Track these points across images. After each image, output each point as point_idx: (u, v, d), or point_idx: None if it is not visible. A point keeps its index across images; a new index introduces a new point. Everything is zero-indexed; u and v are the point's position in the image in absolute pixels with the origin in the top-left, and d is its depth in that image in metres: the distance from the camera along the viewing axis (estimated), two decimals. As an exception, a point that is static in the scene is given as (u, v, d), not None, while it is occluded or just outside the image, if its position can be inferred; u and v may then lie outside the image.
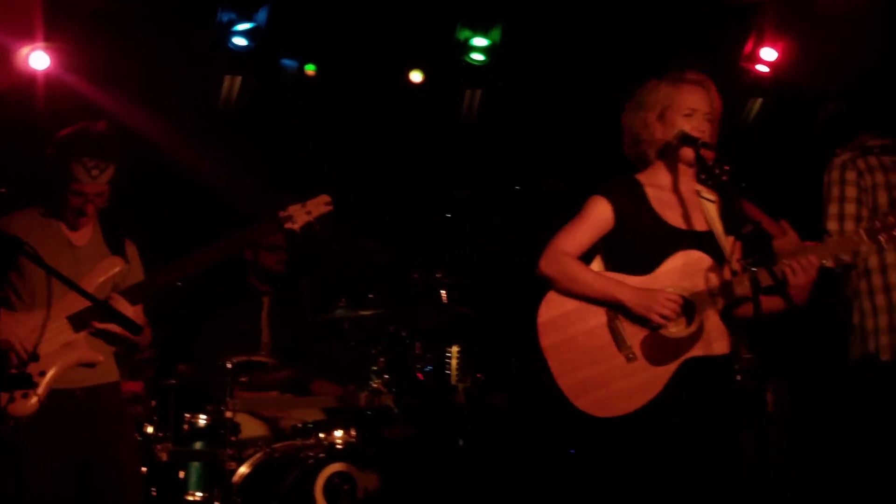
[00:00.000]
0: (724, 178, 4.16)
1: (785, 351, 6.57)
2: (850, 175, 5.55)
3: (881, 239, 4.32)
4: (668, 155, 4.48)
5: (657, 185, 4.51)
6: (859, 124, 5.84)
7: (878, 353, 5.41)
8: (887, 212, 4.40)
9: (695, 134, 4.36)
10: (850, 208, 5.47)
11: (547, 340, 4.37)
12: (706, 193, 4.51)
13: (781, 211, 6.06)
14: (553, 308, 4.41)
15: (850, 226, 5.44)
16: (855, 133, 5.81)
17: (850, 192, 5.55)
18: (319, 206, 5.22)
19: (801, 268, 4.21)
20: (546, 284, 4.43)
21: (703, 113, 4.43)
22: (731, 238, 4.42)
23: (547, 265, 4.42)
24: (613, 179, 4.54)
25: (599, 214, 4.47)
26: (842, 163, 5.58)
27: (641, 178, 4.54)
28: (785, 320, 4.34)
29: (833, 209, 5.52)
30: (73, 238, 4.94)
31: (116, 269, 4.92)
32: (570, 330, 4.38)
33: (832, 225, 5.48)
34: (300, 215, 5.16)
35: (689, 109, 4.41)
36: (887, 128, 5.83)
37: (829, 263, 5.44)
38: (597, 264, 4.53)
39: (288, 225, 5.15)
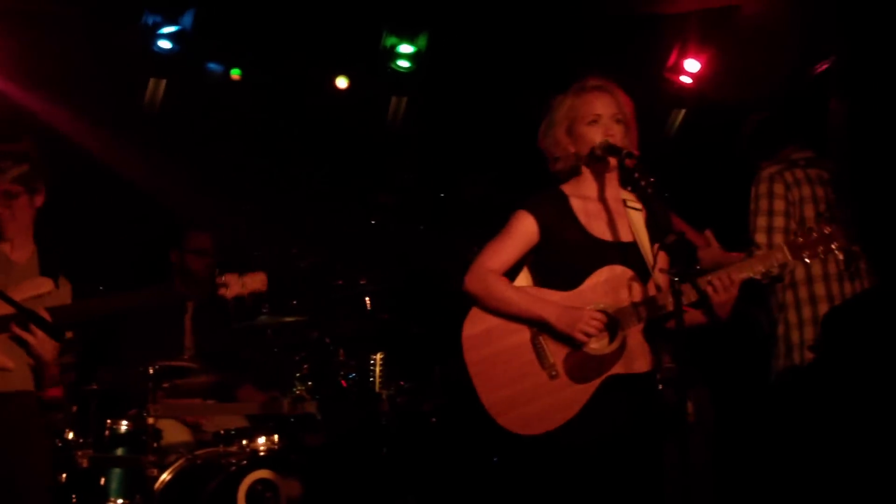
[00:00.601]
0: (650, 189, 4.17)
1: (708, 360, 6.63)
2: (779, 188, 5.61)
3: (804, 255, 4.34)
4: (592, 165, 4.46)
5: (582, 195, 4.49)
6: (785, 137, 5.92)
7: (802, 364, 5.47)
8: (811, 227, 4.44)
9: (607, 140, 4.34)
10: (779, 221, 5.53)
11: (471, 356, 4.36)
12: (632, 202, 4.49)
13: (704, 222, 6.16)
14: (477, 324, 4.40)
15: (778, 238, 5.50)
16: (780, 145, 5.89)
17: (779, 205, 5.62)
18: (255, 282, 5.28)
19: (721, 286, 4.22)
20: (472, 301, 4.42)
21: (610, 115, 4.40)
22: (657, 246, 4.38)
23: (471, 283, 4.41)
24: (538, 193, 4.52)
25: (524, 230, 4.45)
26: (769, 175, 5.64)
27: (566, 188, 4.52)
28: (709, 330, 4.37)
29: (762, 222, 5.57)
30: (12, 254, 4.90)
31: (45, 289, 4.87)
32: (493, 346, 4.36)
33: (760, 238, 5.53)
34: (235, 286, 5.21)
35: (594, 116, 4.39)
36: (811, 140, 5.92)
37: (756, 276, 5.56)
38: (524, 277, 4.52)
39: (221, 291, 5.18)
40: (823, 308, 5.51)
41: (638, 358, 4.30)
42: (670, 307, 4.18)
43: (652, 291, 4.32)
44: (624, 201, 4.49)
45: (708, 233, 4.53)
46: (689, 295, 4.15)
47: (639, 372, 4.30)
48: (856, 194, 5.80)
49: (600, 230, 4.44)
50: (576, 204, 4.47)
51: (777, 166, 5.69)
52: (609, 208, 4.49)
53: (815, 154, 5.85)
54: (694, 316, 4.28)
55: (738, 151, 6.16)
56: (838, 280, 5.58)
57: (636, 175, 4.19)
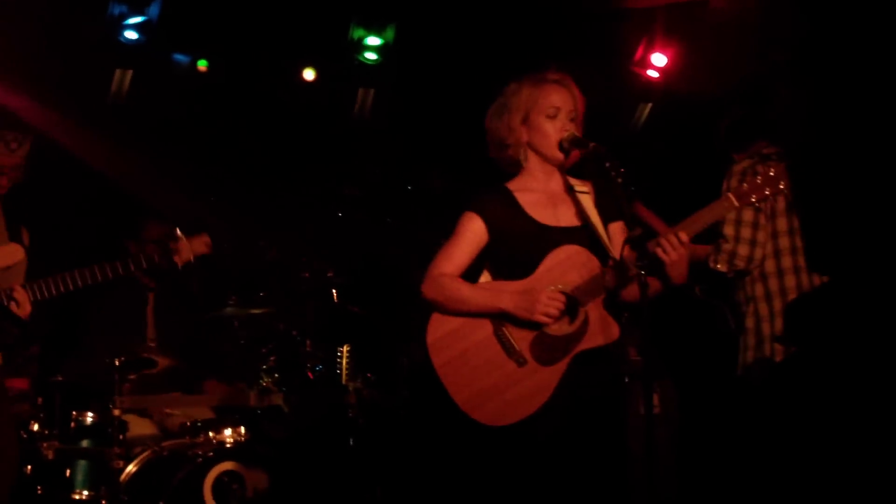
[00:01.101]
0: (620, 179, 4.18)
1: (673, 353, 6.67)
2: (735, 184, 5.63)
3: (752, 199, 4.29)
4: (540, 157, 4.49)
5: (527, 188, 4.52)
6: (758, 131, 5.94)
7: (773, 357, 5.50)
8: (757, 171, 4.43)
9: (573, 133, 4.38)
10: (748, 215, 5.55)
11: (438, 359, 4.36)
12: (579, 186, 4.52)
13: (669, 215, 6.18)
14: (440, 327, 4.41)
15: (746, 233, 5.53)
16: (752, 139, 5.92)
17: None
18: (200, 245, 5.29)
19: (670, 245, 4.19)
20: (431, 308, 4.43)
21: (567, 112, 4.42)
22: (618, 225, 4.46)
23: (428, 289, 4.42)
24: (482, 192, 4.53)
25: (473, 231, 4.46)
26: (742, 169, 5.64)
27: (511, 185, 4.54)
28: (675, 323, 4.40)
29: (731, 215, 5.60)
30: None
31: (20, 258, 4.87)
32: (458, 346, 4.37)
33: (728, 230, 5.55)
34: (185, 251, 5.22)
35: (553, 109, 4.41)
36: (783, 135, 5.94)
37: (722, 268, 5.58)
38: (484, 276, 4.53)
39: (176, 258, 5.19)
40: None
41: (602, 330, 4.31)
42: (628, 277, 4.22)
43: (607, 267, 4.32)
44: (571, 187, 4.52)
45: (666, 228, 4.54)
46: (654, 284, 4.18)
47: (605, 343, 4.32)
48: (805, 184, 5.83)
49: (548, 217, 4.46)
50: (521, 197, 4.49)
51: (749, 161, 5.71)
52: (557, 195, 4.52)
53: (785, 149, 5.87)
54: (650, 284, 4.30)
55: (715, 144, 6.17)
56: (808, 272, 5.62)
57: (605, 166, 4.20)
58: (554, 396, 4.27)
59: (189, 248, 5.26)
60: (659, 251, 4.20)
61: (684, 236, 4.23)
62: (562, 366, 4.28)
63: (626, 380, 6.13)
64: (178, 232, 5.31)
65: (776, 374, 5.49)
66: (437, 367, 4.35)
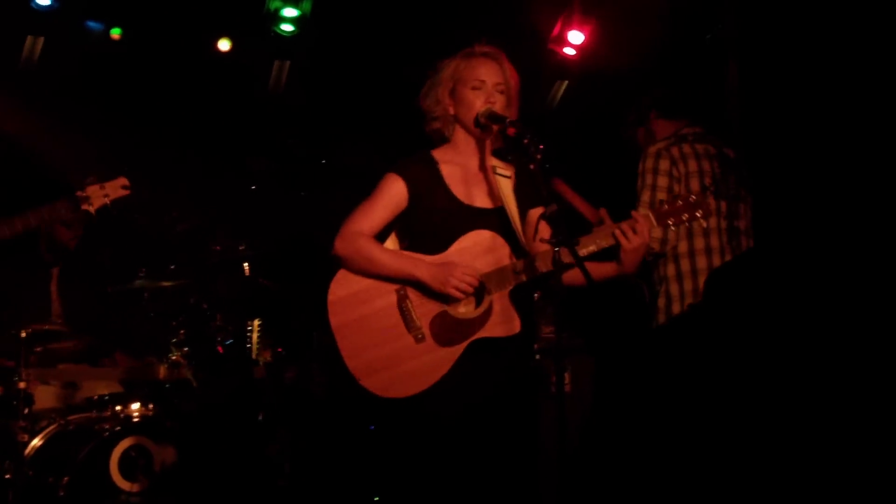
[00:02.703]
0: (539, 156, 4.18)
1: (593, 330, 6.71)
2: (664, 164, 5.68)
3: (668, 222, 4.39)
4: (472, 130, 4.50)
5: (452, 161, 4.53)
6: (677, 111, 5.99)
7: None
8: (678, 195, 4.51)
9: (490, 107, 4.39)
10: (663, 196, 5.60)
11: (336, 320, 4.35)
12: (502, 169, 4.54)
13: (584, 194, 6.23)
14: (343, 287, 4.39)
15: None
16: (675, 119, 5.96)
17: (662, 181, 5.70)
18: (117, 189, 5.20)
19: (632, 231, 4.27)
20: (340, 264, 4.41)
21: (494, 84, 4.44)
22: (535, 211, 4.48)
23: (341, 246, 4.39)
24: (408, 157, 4.54)
25: (393, 192, 4.46)
26: (657, 151, 5.70)
27: (437, 154, 4.55)
28: (594, 300, 4.42)
29: (646, 197, 5.66)
30: None
31: None
32: (359, 310, 4.36)
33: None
34: (97, 197, 5.13)
35: (478, 81, 4.43)
36: (702, 115, 5.99)
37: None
38: (391, 242, 4.54)
39: (84, 206, 5.10)
40: (704, 280, 5.60)
41: (505, 321, 4.33)
42: (540, 271, 4.26)
43: (519, 256, 4.36)
44: (493, 168, 4.54)
45: (602, 211, 4.56)
46: (567, 258, 4.19)
47: (505, 335, 4.33)
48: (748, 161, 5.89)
49: (468, 196, 4.48)
50: (445, 169, 4.51)
51: (664, 142, 5.76)
52: (478, 175, 4.54)
53: (704, 129, 5.92)
54: (602, 269, 4.35)
55: (627, 126, 6.23)
56: (720, 254, 5.68)
57: (522, 143, 4.22)
58: (446, 378, 4.28)
59: (101, 193, 5.17)
60: (618, 233, 4.27)
61: (645, 225, 4.28)
62: (458, 349, 4.30)
63: (538, 357, 6.16)
64: (88, 179, 5.22)
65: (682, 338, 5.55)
66: (333, 328, 4.35)
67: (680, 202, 4.40)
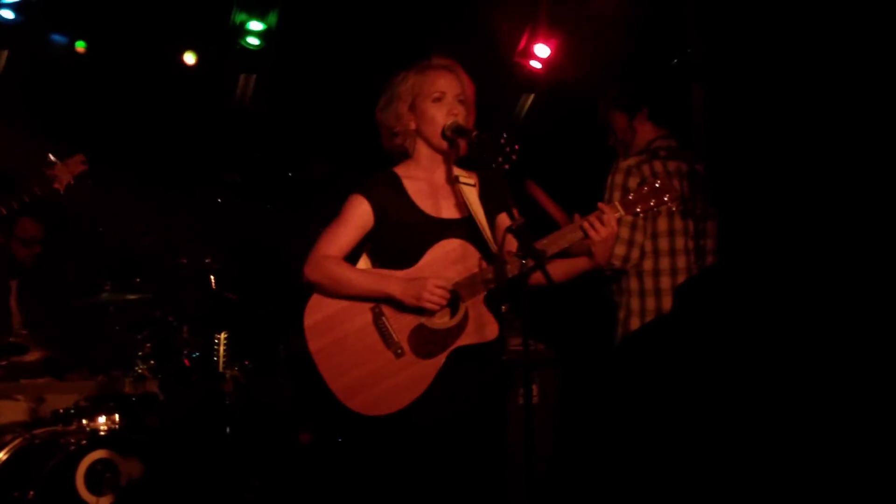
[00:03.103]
0: (514, 157, 4.19)
1: (560, 342, 6.72)
2: (632, 182, 5.62)
3: (637, 210, 4.41)
4: (427, 144, 4.51)
5: (415, 176, 4.53)
6: (646, 102, 5.99)
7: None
8: (641, 182, 4.53)
9: (456, 120, 4.39)
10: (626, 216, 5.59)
11: (314, 344, 4.35)
12: (465, 178, 4.55)
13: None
14: (317, 311, 4.39)
15: (623, 233, 5.58)
16: (634, 109, 5.96)
17: None
18: (77, 165, 5.23)
19: (600, 223, 4.28)
20: (312, 289, 4.41)
21: (454, 95, 4.44)
22: (504, 216, 4.49)
23: (311, 271, 4.38)
24: (371, 176, 4.53)
25: (359, 214, 4.46)
26: (627, 167, 5.67)
27: (399, 170, 4.55)
28: (560, 312, 4.43)
29: None
30: None
31: None
32: (336, 332, 4.36)
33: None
34: (64, 175, 5.16)
35: (438, 93, 4.43)
36: (673, 128, 5.99)
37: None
38: (363, 263, 4.54)
39: (55, 185, 5.14)
40: (667, 301, 5.61)
41: (482, 327, 4.34)
42: (512, 273, 4.26)
43: (490, 262, 4.36)
44: (457, 178, 4.54)
45: (576, 216, 4.58)
46: (538, 278, 4.21)
47: (483, 341, 4.35)
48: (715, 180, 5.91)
49: (434, 208, 4.49)
50: (409, 184, 4.51)
51: (636, 158, 5.74)
52: (443, 186, 4.55)
53: (678, 144, 5.92)
54: (575, 264, 4.38)
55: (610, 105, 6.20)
56: (687, 274, 5.68)
57: (488, 155, 4.23)
58: (430, 389, 4.29)
59: (66, 170, 5.18)
60: (586, 225, 4.28)
61: (612, 216, 4.28)
62: (440, 360, 4.31)
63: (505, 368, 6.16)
64: (51, 157, 5.23)
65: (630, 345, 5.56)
66: (312, 353, 4.34)
67: (646, 188, 4.42)
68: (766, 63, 5.83)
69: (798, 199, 5.42)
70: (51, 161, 5.29)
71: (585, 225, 4.29)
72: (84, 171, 5.34)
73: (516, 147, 4.20)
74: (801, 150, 5.50)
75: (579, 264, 4.39)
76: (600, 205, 4.34)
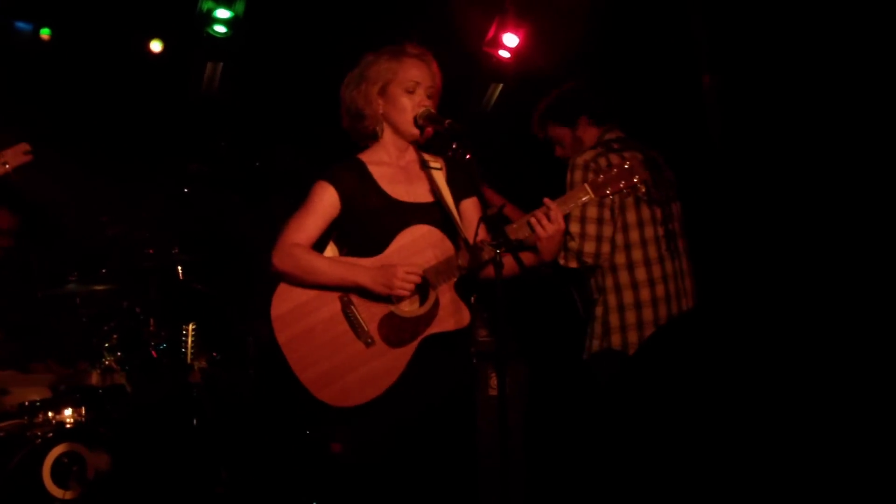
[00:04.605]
0: (470, 158, 4.18)
1: (526, 338, 6.71)
2: (592, 176, 5.61)
3: (606, 192, 4.40)
4: (394, 130, 4.51)
5: (381, 161, 4.52)
6: (602, 117, 5.97)
7: (624, 350, 5.54)
8: (612, 164, 4.51)
9: (428, 108, 4.41)
10: (592, 211, 5.57)
11: (283, 335, 4.32)
12: (432, 163, 4.55)
13: (517, 197, 6.21)
14: (285, 301, 4.35)
15: (591, 229, 5.55)
16: (601, 125, 5.95)
17: None
18: (18, 155, 5.10)
19: (546, 219, 4.26)
20: (280, 279, 4.37)
21: (425, 87, 4.46)
22: (471, 201, 4.52)
23: (279, 260, 4.34)
24: (336, 163, 4.51)
25: (325, 200, 4.43)
26: (584, 163, 5.63)
27: (364, 156, 4.54)
28: (529, 310, 4.42)
29: (576, 212, 5.61)
30: None
31: None
32: (305, 322, 4.33)
33: (574, 227, 5.56)
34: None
35: (412, 84, 4.43)
36: (607, 116, 5.97)
37: (571, 265, 5.60)
38: (330, 249, 4.51)
39: None
40: (644, 293, 5.58)
41: (453, 314, 4.33)
42: (482, 259, 4.26)
43: (460, 248, 4.36)
44: (424, 162, 4.55)
45: (546, 200, 4.55)
46: (511, 267, 4.20)
47: (456, 329, 4.33)
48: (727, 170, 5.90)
49: (401, 193, 4.47)
50: (375, 170, 4.49)
51: (591, 152, 5.72)
52: (410, 171, 4.54)
53: (627, 135, 5.91)
54: (523, 258, 4.32)
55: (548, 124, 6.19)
56: (660, 262, 5.66)
57: (459, 144, 4.22)
58: (402, 378, 4.27)
59: (0, 161, 5.06)
60: (534, 221, 4.24)
61: (558, 212, 4.26)
62: (410, 348, 4.29)
63: (474, 361, 6.15)
64: None
65: (629, 366, 5.53)
66: (281, 344, 4.31)
67: (615, 170, 4.42)
68: (774, 55, 5.85)
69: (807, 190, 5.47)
70: None
71: (533, 221, 4.28)
72: (27, 162, 5.19)
73: (468, 152, 4.19)
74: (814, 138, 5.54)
75: (525, 260, 4.35)
76: (546, 201, 4.32)
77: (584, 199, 4.42)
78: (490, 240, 4.12)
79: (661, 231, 5.69)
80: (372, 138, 4.55)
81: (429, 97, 4.45)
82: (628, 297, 5.59)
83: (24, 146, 5.10)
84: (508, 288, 4.18)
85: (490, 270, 4.31)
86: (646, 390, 5.31)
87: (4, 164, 5.03)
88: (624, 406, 5.43)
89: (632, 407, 5.37)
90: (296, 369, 4.28)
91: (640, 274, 5.61)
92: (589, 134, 5.94)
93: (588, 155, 5.66)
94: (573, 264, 5.60)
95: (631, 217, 5.66)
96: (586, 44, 7.44)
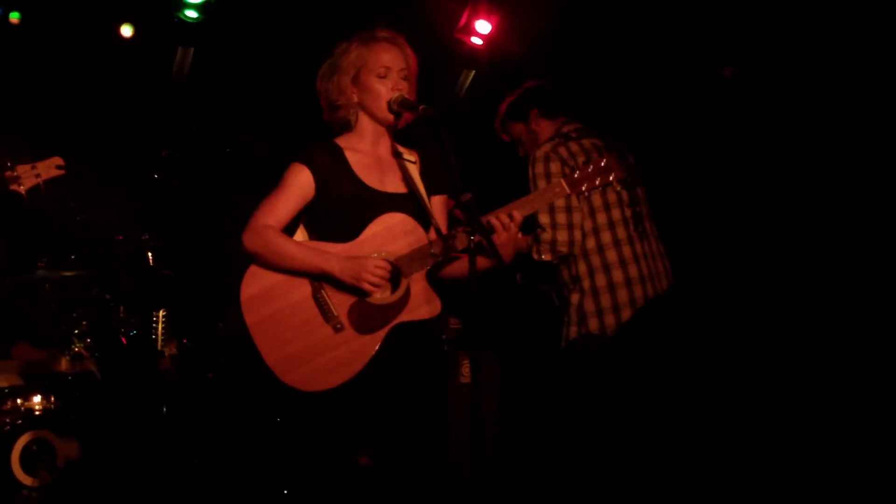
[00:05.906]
0: (445, 144, 4.17)
1: (497, 327, 6.71)
2: (554, 167, 5.62)
3: (582, 188, 4.42)
4: (370, 118, 4.49)
5: (357, 148, 4.50)
6: (556, 109, 5.99)
7: (602, 333, 5.55)
8: (588, 161, 4.52)
9: (402, 94, 4.39)
10: (560, 200, 5.57)
11: (251, 317, 4.29)
12: (407, 155, 4.55)
13: (488, 187, 6.20)
14: (255, 283, 4.33)
15: (562, 218, 5.56)
16: (555, 116, 5.96)
17: None
18: (50, 169, 5.07)
19: (501, 224, 4.27)
20: (250, 259, 4.35)
21: (398, 70, 4.43)
22: (440, 199, 4.53)
23: (250, 240, 4.32)
24: (312, 145, 4.49)
25: (300, 182, 4.40)
26: (545, 154, 5.65)
27: (341, 141, 4.52)
28: (502, 301, 4.42)
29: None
30: None
31: None
32: (274, 305, 4.30)
33: (544, 219, 5.57)
34: (28, 177, 4.98)
35: (383, 69, 4.41)
36: (560, 110, 5.99)
37: (546, 257, 5.61)
38: (300, 234, 4.49)
39: (13, 187, 4.97)
40: (617, 274, 5.60)
41: (425, 303, 4.32)
42: (456, 247, 4.26)
43: (432, 238, 4.35)
44: (399, 153, 4.54)
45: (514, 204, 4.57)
46: (485, 258, 4.19)
47: (428, 317, 4.33)
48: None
49: (377, 181, 4.45)
50: (351, 156, 4.47)
51: (549, 144, 5.73)
52: (386, 160, 4.53)
53: (583, 125, 5.92)
54: (480, 262, 4.31)
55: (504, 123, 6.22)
56: (629, 244, 5.67)
57: (435, 130, 4.20)
58: (370, 365, 4.25)
59: (33, 173, 5.02)
60: (494, 221, 4.27)
61: (517, 215, 4.28)
62: (380, 335, 4.28)
63: (445, 348, 6.15)
64: (14, 171, 5.07)
65: (608, 350, 5.55)
66: (249, 326, 4.28)
67: (591, 166, 4.43)
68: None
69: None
70: (7, 164, 5.10)
71: (493, 220, 4.27)
72: (59, 175, 5.16)
73: (444, 136, 4.18)
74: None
75: (482, 262, 4.34)
76: (511, 208, 4.34)
77: (560, 195, 4.45)
78: (465, 226, 4.12)
79: (628, 213, 5.72)
80: (350, 128, 4.53)
81: (404, 79, 4.43)
82: (601, 280, 5.60)
83: (57, 160, 5.09)
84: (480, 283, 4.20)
85: (458, 269, 4.32)
86: (626, 378, 5.34)
87: (37, 175, 5.00)
88: (605, 394, 5.45)
89: (612, 395, 5.40)
90: (262, 351, 4.26)
91: (612, 255, 5.63)
92: (542, 127, 5.97)
93: (546, 147, 5.69)
94: (547, 257, 5.61)
95: (596, 200, 5.68)
96: (559, 31, 7.43)
